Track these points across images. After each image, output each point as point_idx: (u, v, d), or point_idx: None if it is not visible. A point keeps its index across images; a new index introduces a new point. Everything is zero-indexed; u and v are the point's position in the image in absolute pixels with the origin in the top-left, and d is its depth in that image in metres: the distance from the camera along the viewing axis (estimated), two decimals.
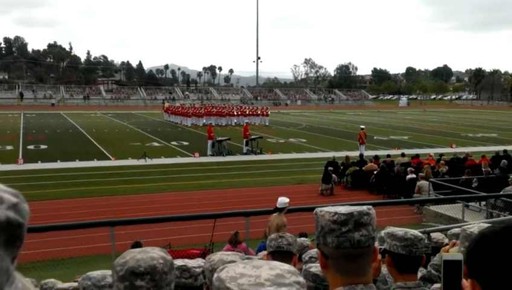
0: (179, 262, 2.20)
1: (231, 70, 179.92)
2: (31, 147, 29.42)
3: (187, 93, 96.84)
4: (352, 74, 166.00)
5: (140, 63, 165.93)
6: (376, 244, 1.64)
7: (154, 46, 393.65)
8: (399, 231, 2.55)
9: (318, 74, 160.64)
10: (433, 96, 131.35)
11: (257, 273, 0.95)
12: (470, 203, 13.92)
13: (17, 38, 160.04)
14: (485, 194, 13.37)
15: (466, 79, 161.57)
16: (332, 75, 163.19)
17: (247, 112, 47.86)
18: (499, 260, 1.02)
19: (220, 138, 27.56)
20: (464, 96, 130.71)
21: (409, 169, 17.79)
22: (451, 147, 29.64)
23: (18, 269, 0.83)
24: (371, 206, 1.62)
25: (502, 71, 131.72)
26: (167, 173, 21.72)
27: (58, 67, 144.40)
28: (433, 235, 4.74)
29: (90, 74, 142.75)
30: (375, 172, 18.61)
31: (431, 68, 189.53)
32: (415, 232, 2.56)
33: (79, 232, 10.18)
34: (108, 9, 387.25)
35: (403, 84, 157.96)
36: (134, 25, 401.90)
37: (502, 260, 1.01)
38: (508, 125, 49.16)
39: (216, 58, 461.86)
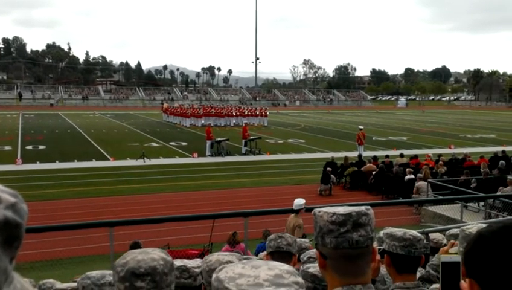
0: (178, 262, 2.21)
1: (230, 71, 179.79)
2: (30, 147, 29.40)
3: (186, 93, 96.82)
4: (350, 75, 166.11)
5: (139, 64, 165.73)
6: (375, 244, 1.64)
7: (153, 47, 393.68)
8: (398, 231, 2.56)
9: (317, 74, 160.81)
10: (431, 97, 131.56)
11: (256, 274, 0.95)
12: (468, 204, 13.94)
13: (15, 38, 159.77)
14: (483, 194, 13.39)
15: (464, 80, 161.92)
16: (331, 75, 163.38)
17: (246, 113, 47.85)
18: (496, 260, 1.03)
19: (218, 139, 27.56)
20: (463, 97, 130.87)
21: (407, 170, 17.80)
22: (450, 148, 29.66)
23: (16, 270, 0.83)
24: (369, 207, 1.62)
25: (501, 72, 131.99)
26: (166, 173, 21.71)
27: (56, 68, 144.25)
28: (431, 235, 4.74)
29: (89, 74, 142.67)
30: (373, 173, 18.62)
31: (429, 69, 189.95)
32: (414, 232, 2.56)
33: (78, 233, 10.17)
34: (107, 9, 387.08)
35: (401, 85, 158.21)
36: (133, 25, 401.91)
37: (499, 259, 1.02)
38: (506, 126, 49.25)
39: (215, 59, 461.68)
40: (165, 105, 55.82)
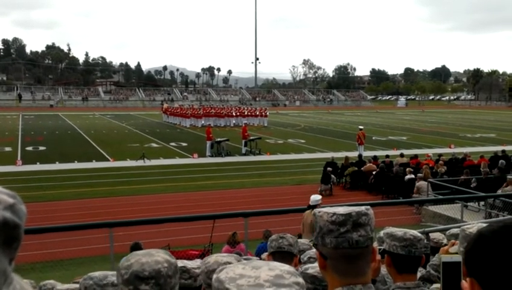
0: (178, 263, 2.20)
1: (230, 72, 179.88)
2: (30, 148, 29.40)
3: (186, 94, 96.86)
4: (350, 75, 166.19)
5: (138, 64, 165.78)
6: (375, 244, 1.64)
7: (152, 47, 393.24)
8: (398, 231, 2.55)
9: (316, 74, 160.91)
10: (431, 97, 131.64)
11: (256, 274, 0.95)
12: (468, 204, 13.94)
13: (15, 39, 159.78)
14: (483, 194, 13.40)
15: (464, 79, 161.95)
16: (331, 75, 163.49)
17: (245, 113, 47.87)
18: (497, 259, 1.02)
19: (218, 139, 27.57)
20: (462, 97, 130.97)
21: (407, 169, 17.80)
22: (450, 148, 29.67)
23: (17, 271, 0.83)
24: (369, 207, 1.62)
25: (500, 72, 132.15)
26: (166, 174, 21.71)
27: (56, 69, 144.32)
28: (432, 235, 4.74)
29: (89, 75, 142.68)
30: (374, 172, 18.62)
31: (429, 69, 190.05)
32: (414, 232, 2.56)
33: (78, 234, 10.16)
34: (107, 10, 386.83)
35: (401, 85, 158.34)
36: (133, 26, 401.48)
37: (500, 258, 1.02)
38: (506, 125, 49.25)
39: (215, 59, 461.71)
40: (165, 105, 55.84)
